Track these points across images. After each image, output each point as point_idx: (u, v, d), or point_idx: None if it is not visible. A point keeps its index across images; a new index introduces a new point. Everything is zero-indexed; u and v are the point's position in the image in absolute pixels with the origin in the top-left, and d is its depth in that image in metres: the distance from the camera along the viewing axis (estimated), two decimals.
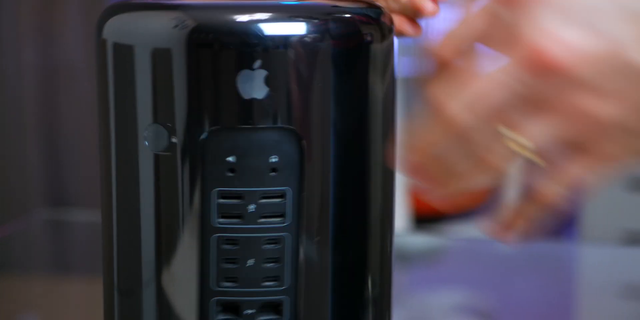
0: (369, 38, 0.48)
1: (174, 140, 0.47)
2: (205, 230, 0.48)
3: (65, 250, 1.11)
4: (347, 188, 0.49)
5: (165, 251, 0.49)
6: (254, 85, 0.46)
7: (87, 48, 2.22)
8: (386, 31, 0.49)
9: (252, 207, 0.47)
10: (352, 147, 0.49)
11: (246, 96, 0.47)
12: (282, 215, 0.48)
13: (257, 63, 0.46)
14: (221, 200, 0.47)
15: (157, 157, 0.48)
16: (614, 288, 0.95)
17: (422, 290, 0.95)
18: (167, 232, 0.48)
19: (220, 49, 0.46)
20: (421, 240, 1.16)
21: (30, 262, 1.05)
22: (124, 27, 0.48)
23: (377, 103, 0.49)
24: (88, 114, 2.24)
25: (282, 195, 0.47)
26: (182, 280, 0.48)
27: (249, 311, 0.48)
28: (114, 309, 0.51)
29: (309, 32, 0.47)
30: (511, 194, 2.41)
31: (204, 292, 0.48)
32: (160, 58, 0.47)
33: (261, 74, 0.46)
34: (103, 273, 0.52)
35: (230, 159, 0.47)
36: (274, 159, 0.47)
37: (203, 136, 0.47)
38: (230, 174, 0.47)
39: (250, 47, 0.46)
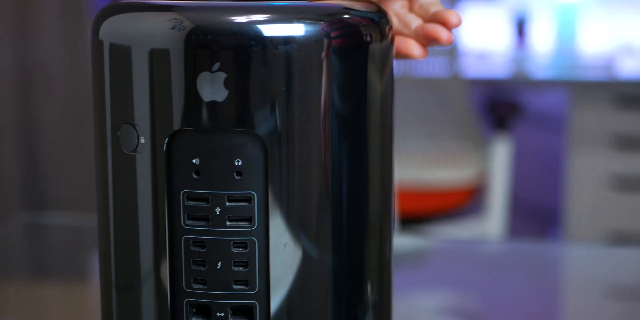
0: (368, 38, 0.48)
1: (142, 140, 0.47)
2: (174, 231, 0.48)
3: (43, 254, 1.11)
4: (327, 191, 0.48)
5: (141, 251, 0.49)
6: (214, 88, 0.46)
7: (64, 49, 2.21)
8: (385, 31, 0.49)
9: (218, 210, 0.47)
10: (336, 149, 0.48)
11: (206, 99, 0.46)
12: (249, 219, 0.47)
13: (216, 66, 0.46)
14: (189, 202, 0.47)
15: (134, 158, 0.48)
16: (599, 288, 0.95)
17: (407, 291, 0.95)
18: (142, 232, 0.48)
19: (211, 50, 0.46)
20: (406, 242, 1.16)
21: (8, 266, 1.05)
22: (121, 28, 0.48)
23: (375, 103, 0.49)
24: (65, 117, 2.23)
25: (248, 199, 0.47)
26: (156, 280, 0.48)
27: (220, 314, 0.47)
28: (109, 306, 0.51)
29: (308, 33, 0.46)
30: (495, 196, 2.41)
31: (176, 293, 0.48)
32: (154, 59, 0.46)
33: (221, 76, 0.46)
34: (99, 270, 0.52)
35: (195, 161, 0.47)
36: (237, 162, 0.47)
37: (169, 137, 0.47)
38: (196, 177, 0.47)
39: (244, 48, 0.46)
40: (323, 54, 0.47)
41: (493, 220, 2.43)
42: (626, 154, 2.75)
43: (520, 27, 3.20)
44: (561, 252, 1.21)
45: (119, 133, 0.48)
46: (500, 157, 2.42)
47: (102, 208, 0.51)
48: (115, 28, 0.49)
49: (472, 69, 2.81)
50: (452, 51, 2.32)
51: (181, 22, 0.47)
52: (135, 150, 0.48)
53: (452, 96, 2.35)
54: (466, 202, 2.43)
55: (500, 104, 2.58)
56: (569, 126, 2.83)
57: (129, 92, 0.48)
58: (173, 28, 0.47)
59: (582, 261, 1.09)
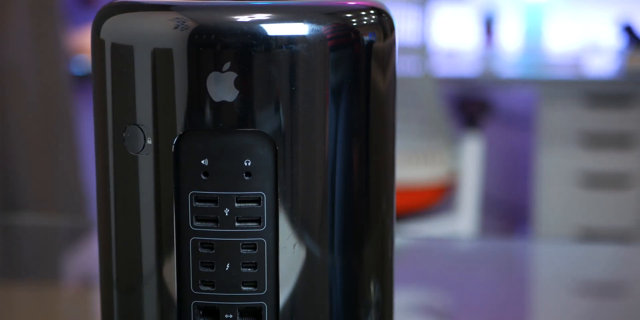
0: (371, 37, 0.48)
1: (149, 141, 0.47)
2: (181, 233, 0.47)
3: (14, 255, 1.10)
4: (338, 191, 0.48)
5: (146, 253, 0.48)
6: (224, 88, 0.46)
7: (34, 49, 2.19)
8: (388, 30, 0.49)
9: (227, 211, 0.47)
10: (347, 149, 0.48)
11: (216, 99, 0.46)
12: (258, 220, 0.47)
13: (227, 66, 0.46)
14: (197, 204, 0.47)
15: (140, 159, 0.48)
16: (568, 284, 0.96)
17: None
18: (148, 235, 0.48)
19: (221, 50, 0.45)
20: None
21: None
22: (123, 27, 0.48)
23: (380, 102, 0.49)
24: (36, 118, 2.21)
25: (257, 200, 0.47)
26: (163, 282, 0.48)
27: (229, 316, 0.47)
28: (109, 310, 0.50)
29: (319, 32, 0.46)
30: (466, 194, 2.42)
31: (183, 295, 0.48)
32: (160, 58, 0.46)
33: (232, 76, 0.46)
34: (99, 272, 0.51)
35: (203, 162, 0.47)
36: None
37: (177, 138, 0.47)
38: (204, 177, 0.47)
39: (255, 47, 0.45)
40: (333, 53, 0.47)
41: (464, 218, 2.44)
42: (594, 151, 2.78)
43: (489, 26, 3.22)
44: (531, 249, 1.22)
45: (124, 134, 0.48)
46: (471, 155, 2.44)
47: (104, 210, 0.50)
48: (119, 27, 0.48)
49: (442, 67, 2.82)
50: (422, 50, 2.33)
51: (189, 22, 0.46)
52: (141, 151, 0.48)
53: (422, 95, 2.35)
54: (437, 200, 2.44)
55: (471, 103, 2.60)
56: (537, 124, 2.85)
57: (134, 93, 0.47)
58: (180, 28, 0.46)
59: (551, 258, 1.10)
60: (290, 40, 0.46)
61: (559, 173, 2.76)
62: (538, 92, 2.78)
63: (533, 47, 3.18)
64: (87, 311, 0.91)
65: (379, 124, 0.49)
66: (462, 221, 2.42)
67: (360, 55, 0.48)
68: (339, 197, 0.48)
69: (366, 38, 0.48)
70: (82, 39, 3.09)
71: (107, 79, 0.49)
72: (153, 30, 0.47)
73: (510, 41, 3.25)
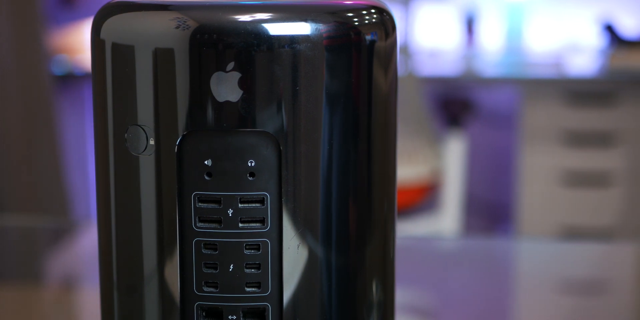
0: (372, 37, 0.48)
1: (151, 142, 0.47)
2: (184, 234, 0.47)
3: None
4: (341, 191, 0.48)
5: (148, 255, 0.48)
6: (228, 88, 0.46)
7: (15, 49, 2.18)
8: (390, 29, 0.49)
9: (230, 212, 0.46)
10: (351, 149, 0.48)
11: (220, 99, 0.46)
12: (262, 221, 0.47)
13: (230, 65, 0.45)
14: (200, 204, 0.47)
15: (142, 159, 0.47)
16: (552, 283, 0.96)
17: None
18: (150, 236, 0.48)
19: (225, 49, 0.45)
20: None
21: None
22: (124, 27, 0.47)
23: (383, 102, 0.49)
24: (18, 117, 2.20)
25: (261, 201, 0.47)
26: (165, 284, 0.48)
27: (232, 317, 0.47)
28: (110, 312, 0.50)
29: (315, 32, 0.46)
30: (449, 193, 2.43)
31: (187, 297, 0.47)
32: (163, 58, 0.46)
33: (235, 76, 0.46)
34: (99, 274, 0.51)
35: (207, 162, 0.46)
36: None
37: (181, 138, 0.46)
38: (208, 178, 0.47)
39: (259, 47, 0.45)
40: (337, 52, 0.47)
41: (448, 217, 2.45)
42: (576, 149, 2.79)
43: (470, 26, 3.23)
44: (514, 247, 1.22)
45: (125, 135, 0.48)
46: (454, 154, 2.44)
47: (104, 211, 0.50)
48: (120, 27, 0.48)
49: (425, 67, 2.83)
50: (405, 49, 2.33)
51: (192, 21, 0.46)
52: (143, 152, 0.47)
53: (406, 94, 2.36)
54: (421, 199, 2.45)
55: (453, 102, 2.60)
56: (520, 123, 2.86)
57: (136, 93, 0.47)
58: (182, 27, 0.46)
59: (534, 256, 1.10)
60: (295, 39, 0.46)
61: (541, 171, 2.76)
62: (520, 91, 2.79)
63: (514, 46, 3.19)
64: (70, 312, 0.91)
65: (382, 123, 0.49)
66: (446, 220, 2.42)
67: (364, 54, 0.48)
68: (343, 197, 0.48)
69: (369, 37, 0.48)
70: (63, 39, 3.08)
71: (108, 79, 0.48)
72: (155, 30, 0.47)
73: (492, 40, 3.26)
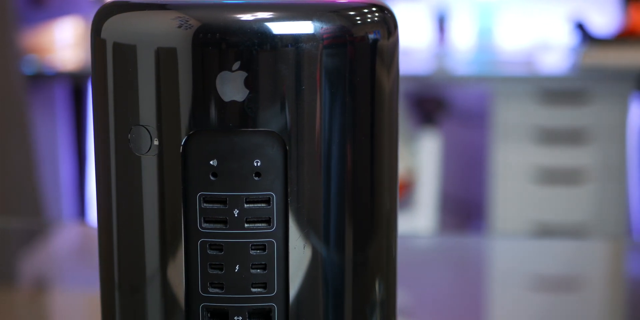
0: (375, 36, 0.48)
1: (155, 142, 0.46)
2: (190, 235, 0.47)
3: None
4: (347, 191, 0.48)
5: (152, 256, 0.48)
6: (234, 87, 0.46)
7: None
8: (392, 28, 0.49)
9: (236, 212, 0.46)
10: (353, 148, 0.48)
11: (226, 99, 0.46)
12: (267, 221, 0.47)
13: (237, 65, 0.45)
14: (205, 205, 0.46)
15: (147, 160, 0.47)
16: (524, 280, 0.97)
17: None
18: (154, 237, 0.47)
19: (231, 49, 0.45)
20: None
21: None
22: (125, 26, 0.47)
23: (386, 101, 0.49)
24: None
25: (267, 201, 0.46)
26: (170, 285, 0.47)
27: (238, 318, 0.47)
28: (112, 313, 0.49)
29: (321, 31, 0.46)
30: (424, 191, 2.43)
31: (191, 298, 0.47)
32: (167, 58, 0.45)
33: (241, 75, 0.45)
34: (100, 276, 0.50)
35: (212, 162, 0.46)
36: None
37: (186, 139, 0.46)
38: (213, 178, 0.46)
39: (265, 46, 0.45)
40: (343, 52, 0.46)
41: (423, 215, 2.45)
42: (548, 147, 2.81)
43: (441, 24, 3.24)
44: (487, 244, 1.22)
45: (128, 135, 0.47)
46: (429, 152, 2.45)
47: (105, 212, 0.49)
48: (121, 26, 0.47)
49: None
50: None
51: (196, 21, 0.46)
52: (147, 152, 0.47)
53: None
54: None
55: (426, 100, 2.61)
56: (492, 121, 2.87)
57: (139, 94, 0.47)
58: (184, 26, 0.46)
59: (507, 253, 1.11)
60: (301, 38, 0.46)
61: (513, 169, 2.78)
62: (492, 89, 2.80)
63: (486, 44, 3.21)
64: (42, 314, 0.90)
65: (387, 122, 0.49)
66: (420, 218, 2.43)
67: (368, 53, 0.48)
68: (349, 196, 0.48)
69: (372, 36, 0.48)
70: (33, 39, 3.05)
71: (109, 79, 0.48)
72: (158, 29, 0.46)
73: (463, 39, 3.27)
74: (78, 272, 1.01)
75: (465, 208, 3.23)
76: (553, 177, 2.78)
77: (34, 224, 1.67)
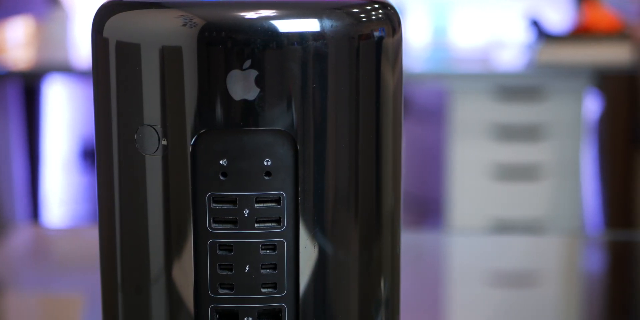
0: (381, 33, 0.47)
1: (164, 142, 0.46)
2: (199, 235, 0.46)
3: None
4: (356, 189, 0.47)
5: (159, 257, 0.47)
6: (245, 86, 0.45)
7: None
8: (396, 25, 0.49)
9: (246, 212, 0.46)
10: (362, 146, 0.47)
11: (237, 97, 0.45)
12: (278, 221, 0.46)
13: (247, 63, 0.45)
14: (215, 205, 0.46)
15: (155, 160, 0.46)
16: (482, 276, 0.97)
17: None
18: (162, 237, 0.47)
19: (242, 47, 0.44)
20: None
21: None
22: (128, 25, 0.46)
23: (391, 99, 0.48)
24: None
25: (277, 200, 0.46)
26: (178, 286, 0.47)
27: (248, 318, 0.46)
28: (115, 312, 0.49)
29: (331, 29, 0.45)
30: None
31: (201, 299, 0.46)
32: (174, 56, 0.45)
33: (252, 74, 0.45)
34: (102, 278, 0.49)
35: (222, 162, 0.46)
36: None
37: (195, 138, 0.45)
38: (223, 178, 0.46)
39: (276, 45, 0.44)
40: (352, 50, 0.46)
41: None
42: (505, 143, 2.83)
43: None
44: (445, 241, 1.23)
45: (135, 135, 0.46)
46: None
47: (109, 213, 0.49)
48: (123, 25, 0.47)
49: None
50: None
51: (201, 20, 0.45)
52: (155, 152, 0.46)
53: None
54: None
55: None
56: (449, 118, 2.88)
57: (145, 93, 0.46)
58: (192, 25, 0.45)
59: (465, 249, 1.11)
60: (311, 36, 0.45)
61: (471, 165, 2.80)
62: (448, 86, 2.82)
63: (441, 42, 3.22)
64: (3, 316, 0.89)
65: (392, 119, 0.49)
66: None
67: (375, 50, 0.48)
68: (360, 195, 0.47)
69: (378, 33, 0.48)
70: None
71: (112, 79, 0.47)
72: (162, 27, 0.46)
73: (418, 36, 3.28)
74: (32, 275, 1.00)
75: (422, 205, 3.24)
76: (510, 173, 2.80)
77: None
